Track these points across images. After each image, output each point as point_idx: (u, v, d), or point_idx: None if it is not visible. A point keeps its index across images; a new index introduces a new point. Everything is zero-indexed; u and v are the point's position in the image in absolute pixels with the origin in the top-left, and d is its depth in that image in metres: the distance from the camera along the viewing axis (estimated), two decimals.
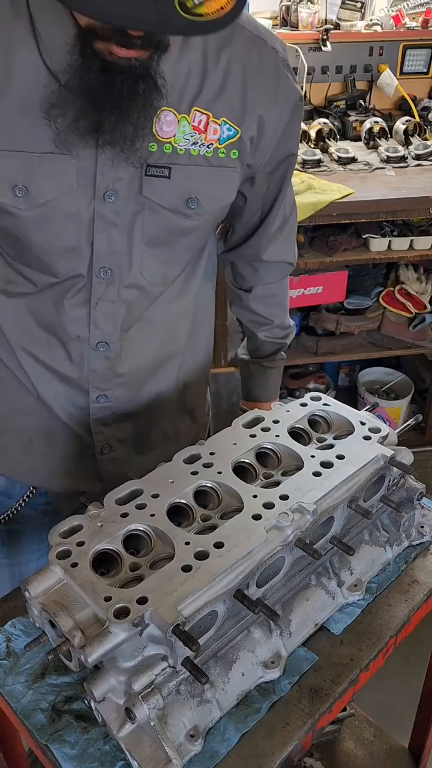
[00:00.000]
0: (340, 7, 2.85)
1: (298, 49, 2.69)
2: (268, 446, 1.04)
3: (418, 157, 2.58)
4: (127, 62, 0.84)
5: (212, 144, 1.03)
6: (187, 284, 1.17)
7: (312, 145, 2.62)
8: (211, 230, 1.17)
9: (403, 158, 2.57)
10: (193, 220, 1.07)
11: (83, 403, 1.16)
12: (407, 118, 2.69)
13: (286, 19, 2.81)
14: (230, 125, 1.03)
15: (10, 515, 1.28)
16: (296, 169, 2.47)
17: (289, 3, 2.78)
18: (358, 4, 2.83)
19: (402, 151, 2.58)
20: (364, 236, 2.52)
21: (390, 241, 2.51)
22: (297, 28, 2.76)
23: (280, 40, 1.08)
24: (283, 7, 2.82)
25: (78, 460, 1.22)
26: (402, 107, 2.89)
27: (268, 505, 0.91)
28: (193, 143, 1.01)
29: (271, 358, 1.46)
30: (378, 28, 2.81)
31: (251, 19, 1.06)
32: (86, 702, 0.84)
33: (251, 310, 1.39)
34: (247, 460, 1.02)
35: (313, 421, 1.11)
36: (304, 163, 2.50)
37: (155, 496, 0.93)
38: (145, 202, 1.02)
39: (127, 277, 1.07)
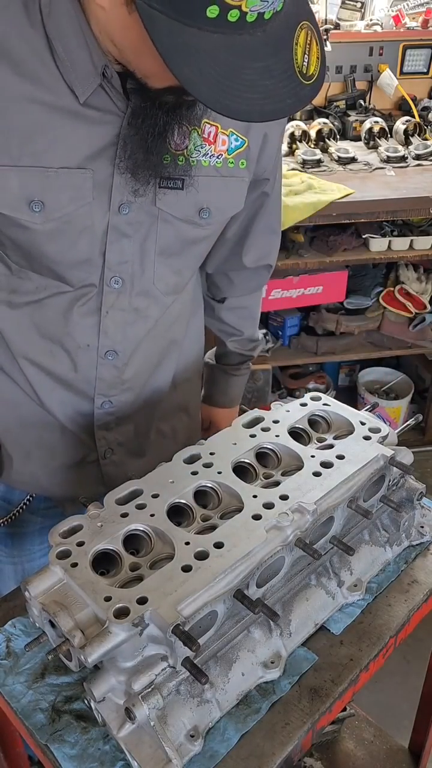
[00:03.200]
0: (340, 7, 2.86)
1: None
2: (268, 446, 1.04)
3: (418, 157, 2.58)
4: (162, 95, 0.87)
5: (221, 155, 1.04)
6: (186, 286, 1.18)
7: (312, 145, 2.62)
8: (216, 237, 1.19)
9: (403, 158, 2.57)
10: (204, 230, 1.09)
11: (88, 410, 1.16)
12: (407, 118, 2.70)
13: None
14: (237, 135, 1.05)
15: (10, 520, 1.28)
16: (296, 169, 2.47)
17: None
18: (358, 4, 2.83)
19: (402, 151, 2.58)
20: (364, 236, 2.52)
21: (390, 241, 2.51)
22: None
23: None
24: None
25: (80, 467, 1.22)
26: (402, 107, 2.89)
27: (268, 505, 0.91)
28: (204, 154, 1.02)
29: (236, 367, 1.49)
30: (378, 28, 2.81)
31: None
32: (86, 702, 0.84)
33: (222, 320, 1.42)
34: (247, 460, 1.02)
35: (313, 421, 1.11)
36: (304, 163, 2.50)
37: (155, 496, 0.93)
38: (159, 213, 1.03)
39: (139, 286, 1.07)
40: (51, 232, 0.98)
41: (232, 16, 0.70)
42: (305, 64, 0.77)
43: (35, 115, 0.91)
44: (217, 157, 1.04)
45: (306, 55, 0.77)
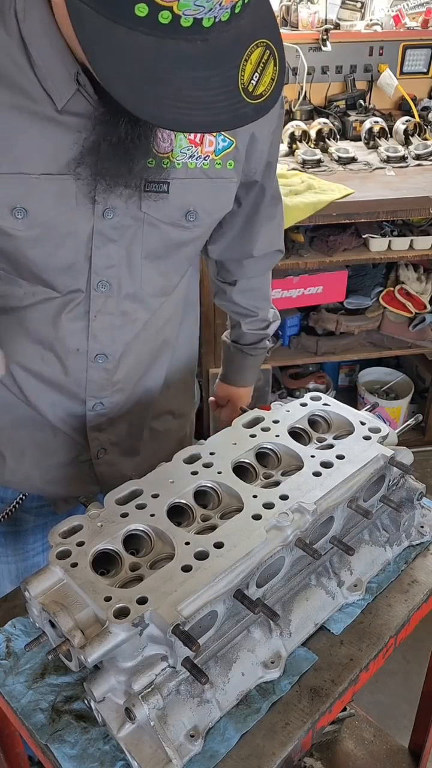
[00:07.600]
0: (340, 7, 2.86)
1: (298, 49, 2.69)
2: (268, 446, 1.04)
3: (418, 157, 2.58)
4: None
5: (208, 156, 1.02)
6: (177, 288, 1.17)
7: (312, 145, 2.62)
8: (206, 239, 1.18)
9: (403, 158, 2.57)
10: (192, 232, 1.07)
11: (79, 411, 1.16)
12: (407, 118, 2.70)
13: (286, 19, 2.81)
14: (225, 136, 1.03)
15: (3, 518, 1.28)
16: (296, 169, 2.48)
17: (289, 3, 2.78)
18: (358, 4, 2.83)
19: (402, 151, 2.58)
20: (364, 236, 2.52)
21: (390, 241, 2.51)
22: (297, 28, 2.76)
23: None
24: (283, 7, 2.82)
25: (73, 466, 1.22)
26: (402, 107, 2.89)
27: (268, 505, 0.91)
28: (190, 156, 1.01)
29: (253, 347, 1.50)
30: (378, 28, 2.81)
31: None
32: (86, 702, 0.84)
33: (234, 302, 1.43)
34: (247, 460, 1.02)
35: (313, 421, 1.11)
36: (304, 163, 2.50)
37: (155, 496, 0.93)
38: (144, 218, 1.01)
39: (126, 289, 1.06)
40: (35, 239, 0.97)
41: (164, 17, 0.68)
42: (253, 82, 0.74)
43: (15, 122, 0.90)
44: (204, 159, 1.02)
45: (257, 74, 0.75)
